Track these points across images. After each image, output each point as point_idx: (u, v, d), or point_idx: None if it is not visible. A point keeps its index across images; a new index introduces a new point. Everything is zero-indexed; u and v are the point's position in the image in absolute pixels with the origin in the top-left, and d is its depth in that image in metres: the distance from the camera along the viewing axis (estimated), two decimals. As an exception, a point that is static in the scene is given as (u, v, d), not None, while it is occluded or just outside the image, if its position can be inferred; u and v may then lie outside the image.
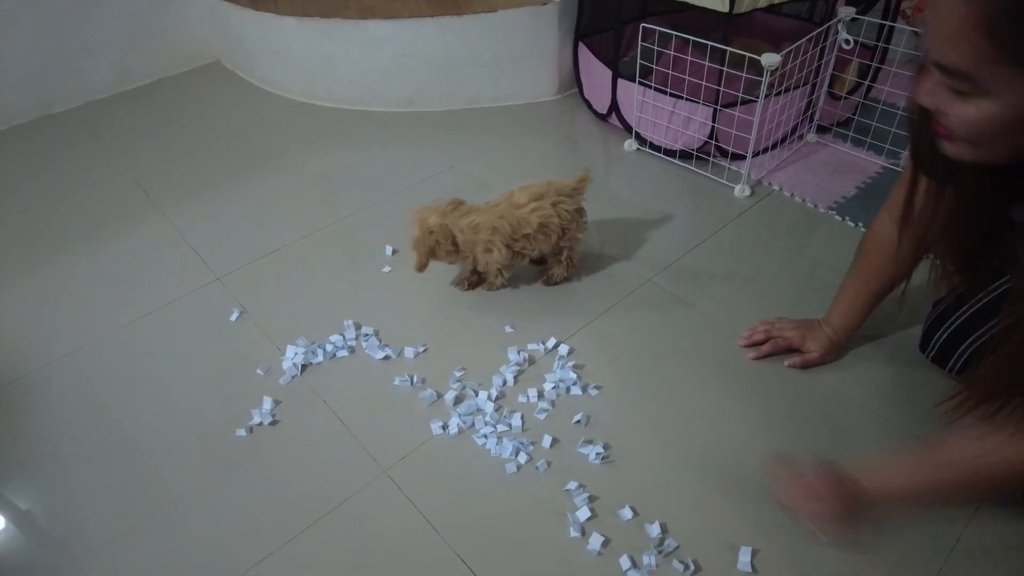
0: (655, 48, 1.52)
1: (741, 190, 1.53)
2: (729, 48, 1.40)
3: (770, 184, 1.56)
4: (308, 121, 1.94)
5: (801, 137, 1.68)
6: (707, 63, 1.51)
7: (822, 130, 1.70)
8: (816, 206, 1.49)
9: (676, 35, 1.47)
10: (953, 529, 0.92)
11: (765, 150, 1.63)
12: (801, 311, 1.22)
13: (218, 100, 2.06)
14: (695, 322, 1.25)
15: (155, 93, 2.11)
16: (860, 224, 1.44)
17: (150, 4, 2.07)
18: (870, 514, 0.81)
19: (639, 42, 1.53)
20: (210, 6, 2.08)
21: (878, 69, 1.65)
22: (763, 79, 1.37)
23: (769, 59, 1.33)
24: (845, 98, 1.66)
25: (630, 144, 1.71)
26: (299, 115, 1.97)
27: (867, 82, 1.67)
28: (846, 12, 1.47)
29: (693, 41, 1.47)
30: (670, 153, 1.65)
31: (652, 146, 1.67)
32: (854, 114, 1.72)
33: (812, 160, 1.63)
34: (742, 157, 1.56)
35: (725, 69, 1.42)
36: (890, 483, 0.80)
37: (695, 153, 1.60)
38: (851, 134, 1.66)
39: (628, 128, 1.71)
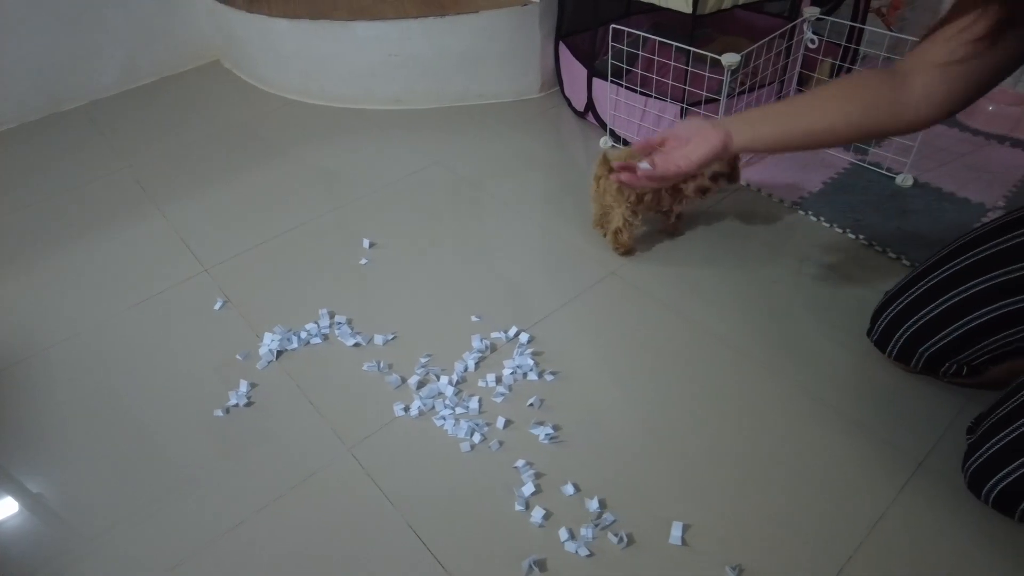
0: (625, 48, 1.57)
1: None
2: (692, 48, 1.45)
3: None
4: (301, 119, 2.01)
5: (772, 134, 1.73)
6: (672, 63, 1.56)
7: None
8: (782, 201, 1.54)
9: (643, 35, 1.52)
10: (876, 507, 0.97)
11: (736, 146, 1.67)
12: (763, 301, 1.27)
13: (216, 99, 2.14)
14: (653, 312, 1.30)
15: (158, 92, 2.20)
16: (822, 219, 1.48)
17: (155, 5, 2.16)
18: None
19: (609, 42, 1.58)
20: (210, 7, 2.17)
21: (849, 70, 1.69)
22: (725, 78, 1.41)
23: (729, 59, 1.37)
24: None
25: (605, 141, 1.76)
26: (293, 113, 2.04)
27: (837, 80, 1.70)
28: (811, 12, 1.51)
29: (660, 41, 1.52)
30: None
31: (626, 143, 1.73)
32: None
33: (782, 156, 1.68)
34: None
35: (689, 68, 1.47)
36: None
37: (666, 150, 1.65)
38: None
39: (604, 125, 1.77)
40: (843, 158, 1.65)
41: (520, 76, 1.98)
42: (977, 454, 0.92)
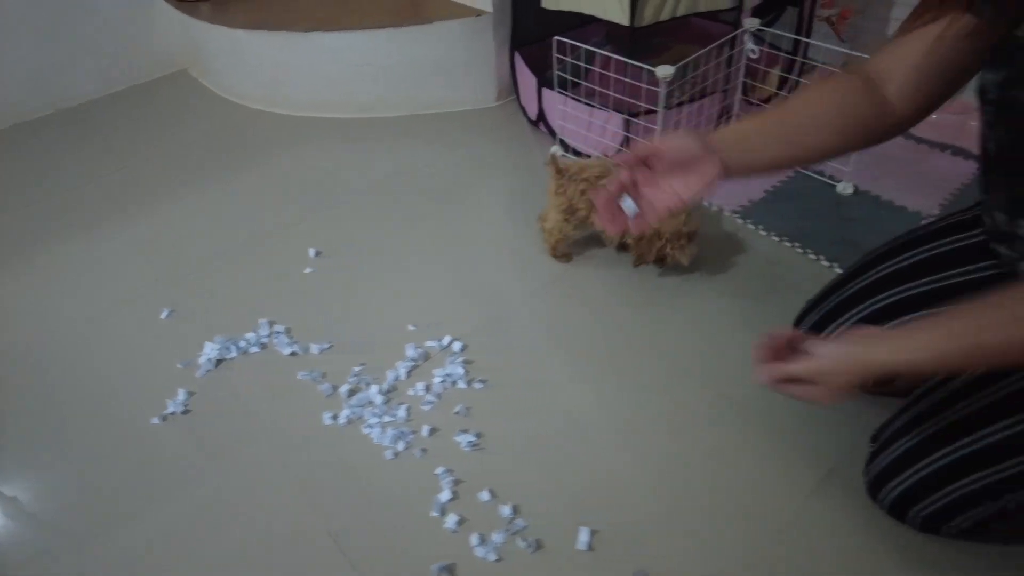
0: (569, 60, 1.60)
1: (653, 194, 1.61)
2: (629, 60, 1.47)
3: (682, 188, 1.63)
4: (265, 129, 2.04)
5: (719, 142, 1.75)
6: (612, 75, 1.58)
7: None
8: (721, 209, 1.56)
9: (585, 47, 1.55)
10: (783, 514, 1.00)
11: (682, 155, 1.70)
12: (699, 310, 1.30)
13: (182, 108, 2.17)
14: (589, 321, 1.33)
15: (126, 101, 2.22)
16: (760, 227, 1.51)
17: (126, 14, 2.19)
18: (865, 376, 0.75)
19: (553, 54, 1.61)
20: (176, 17, 2.19)
21: (796, 82, 1.72)
22: (660, 90, 1.44)
23: (663, 71, 1.40)
24: (757, 105, 1.72)
25: (556, 150, 1.79)
26: (257, 123, 2.07)
27: (783, 93, 1.73)
28: (750, 23, 1.54)
29: (597, 52, 1.55)
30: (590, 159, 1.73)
31: (576, 152, 1.75)
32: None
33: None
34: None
35: (628, 80, 1.50)
36: (915, 354, 0.71)
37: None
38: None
39: (554, 134, 1.79)
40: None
41: (477, 85, 2.01)
42: (876, 462, 0.94)
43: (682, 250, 1.33)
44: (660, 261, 1.36)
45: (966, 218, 1.00)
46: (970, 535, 0.89)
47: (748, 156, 0.82)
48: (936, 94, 0.82)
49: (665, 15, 1.48)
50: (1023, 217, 0.82)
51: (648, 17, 1.46)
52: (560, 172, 1.35)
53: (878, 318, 1.01)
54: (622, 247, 1.43)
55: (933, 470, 0.87)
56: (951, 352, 0.70)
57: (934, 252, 1.00)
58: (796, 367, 0.76)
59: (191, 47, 2.25)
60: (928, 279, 0.98)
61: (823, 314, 1.09)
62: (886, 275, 1.02)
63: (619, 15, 1.46)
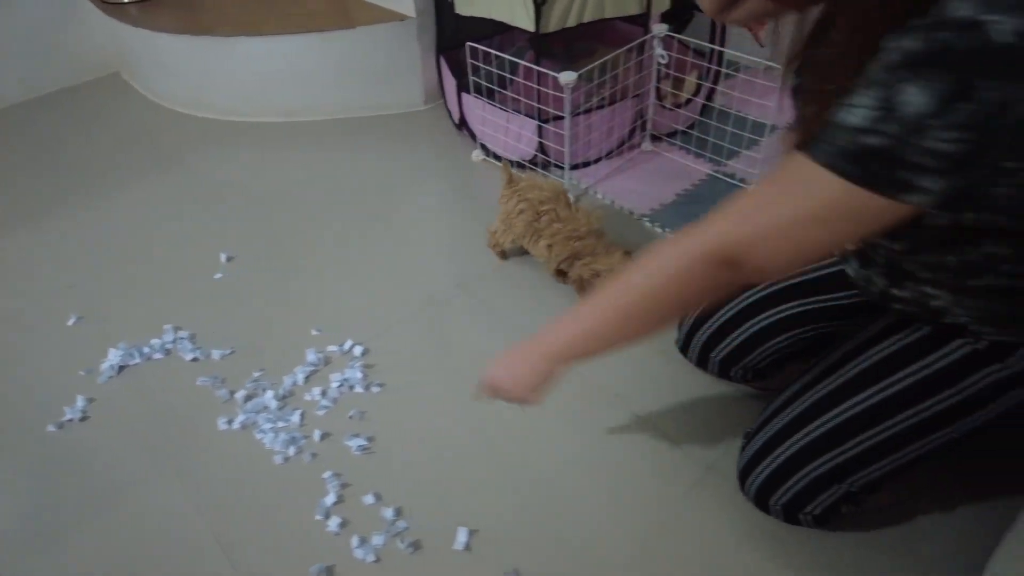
0: (481, 65, 1.62)
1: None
2: (535, 67, 1.50)
3: (595, 192, 1.66)
4: (187, 133, 2.03)
5: (635, 147, 1.78)
6: (521, 80, 1.60)
7: (657, 139, 1.79)
8: (632, 213, 1.59)
9: (495, 53, 1.57)
10: (659, 510, 1.03)
11: (598, 159, 1.73)
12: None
13: (109, 112, 2.15)
14: (492, 326, 1.35)
15: (53, 104, 2.21)
16: (668, 230, 1.54)
17: (49, 17, 2.17)
18: (546, 367, 0.83)
19: (467, 59, 1.62)
20: (103, 20, 2.18)
21: (711, 89, 1.75)
22: (565, 96, 1.46)
23: (565, 77, 1.42)
24: (671, 110, 1.75)
25: (477, 154, 1.81)
26: (180, 127, 2.07)
27: (698, 99, 1.76)
28: (659, 29, 1.57)
29: (510, 58, 1.57)
30: (510, 164, 1.75)
31: (496, 156, 1.77)
32: (691, 126, 1.82)
33: (642, 168, 1.73)
34: (576, 167, 1.67)
35: (537, 86, 1.52)
36: (563, 337, 0.81)
37: (527, 164, 1.70)
38: (678, 144, 1.76)
39: (475, 138, 1.81)
40: (700, 169, 1.71)
41: (403, 89, 2.02)
42: (742, 455, 0.97)
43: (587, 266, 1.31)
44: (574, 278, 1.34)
45: None
46: (823, 522, 0.93)
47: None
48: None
49: (571, 21, 1.50)
50: None
51: (554, 23, 1.48)
52: (510, 182, 1.37)
53: (736, 321, 1.06)
54: (559, 273, 1.38)
55: (786, 458, 0.90)
56: (601, 323, 0.79)
57: None
58: (483, 377, 0.87)
59: (120, 50, 2.23)
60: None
61: (696, 318, 1.12)
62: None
63: (526, 21, 1.48)
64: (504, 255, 1.49)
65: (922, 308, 0.83)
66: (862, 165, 0.58)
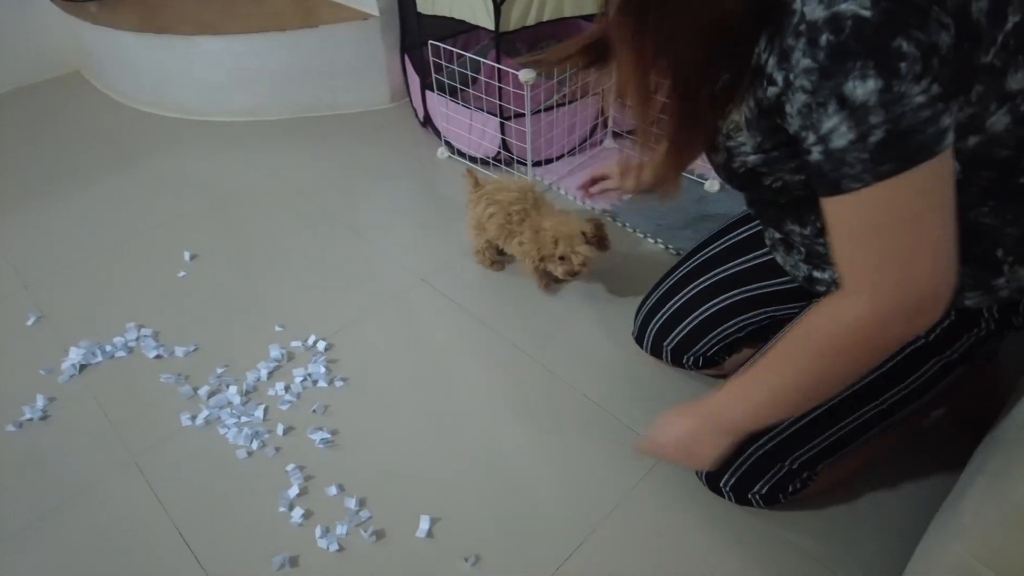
0: (444, 63, 1.63)
1: (530, 193, 1.66)
2: (496, 65, 1.52)
3: (558, 188, 1.69)
4: (149, 132, 2.02)
5: (597, 144, 1.82)
6: (483, 78, 1.63)
7: (619, 136, 1.83)
8: (593, 208, 1.63)
9: (456, 51, 1.59)
10: (614, 496, 1.06)
11: (561, 156, 1.76)
12: (559, 307, 1.35)
13: (66, 110, 2.13)
14: (453, 318, 1.37)
15: (9, 103, 2.17)
16: (627, 225, 1.57)
17: (10, 15, 2.14)
18: (726, 442, 0.82)
19: (429, 58, 1.64)
20: (62, 18, 2.15)
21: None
22: (526, 93, 1.49)
23: (525, 75, 1.45)
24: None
25: (442, 152, 1.83)
26: (142, 125, 2.05)
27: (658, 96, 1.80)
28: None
29: (472, 56, 1.59)
30: (474, 160, 1.77)
31: (460, 153, 1.79)
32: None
33: (604, 165, 1.76)
34: (538, 164, 1.70)
35: (499, 84, 1.54)
36: (729, 411, 0.80)
37: (491, 161, 1.72)
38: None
39: (439, 135, 1.83)
40: (661, 166, 1.75)
41: (369, 87, 2.03)
42: (735, 466, 0.97)
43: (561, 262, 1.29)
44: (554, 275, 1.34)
45: None
46: (771, 501, 0.96)
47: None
48: None
49: (531, 20, 1.53)
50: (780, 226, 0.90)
51: (514, 22, 1.51)
52: (476, 186, 1.37)
53: (685, 311, 1.10)
54: (544, 275, 1.38)
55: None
56: (780, 404, 0.76)
57: (744, 236, 1.09)
58: (651, 444, 0.87)
59: (80, 48, 2.21)
60: (719, 269, 1.09)
61: (648, 309, 1.16)
62: (691, 269, 1.12)
63: (486, 20, 1.51)
64: (497, 265, 1.46)
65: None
66: (895, 155, 0.58)
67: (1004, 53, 0.62)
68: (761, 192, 0.81)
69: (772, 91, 0.66)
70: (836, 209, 0.65)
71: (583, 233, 1.26)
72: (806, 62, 0.59)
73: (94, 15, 2.05)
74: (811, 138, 0.63)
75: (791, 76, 0.61)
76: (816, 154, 0.63)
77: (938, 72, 0.56)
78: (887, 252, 0.63)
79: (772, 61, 0.64)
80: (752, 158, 0.75)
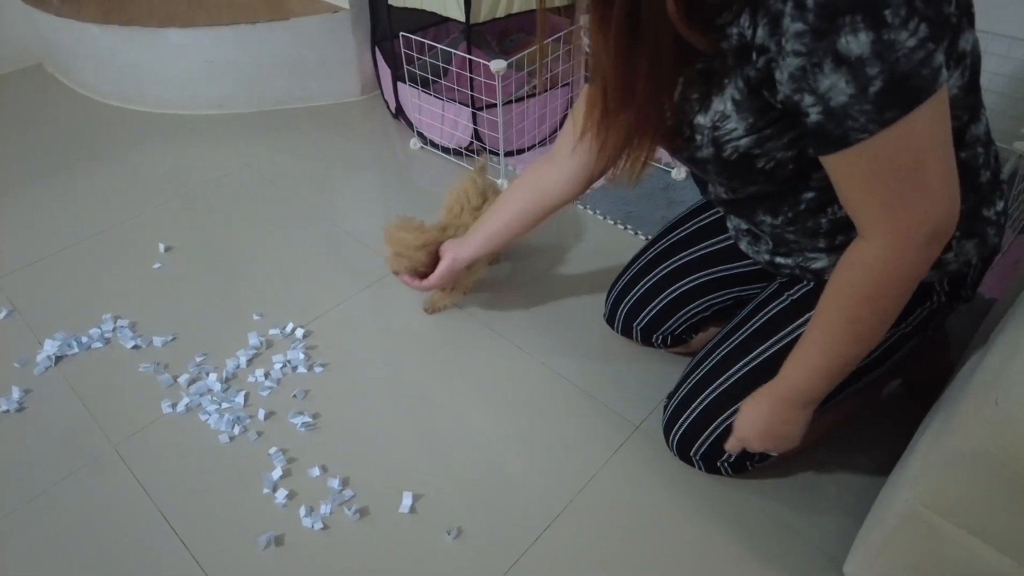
0: (415, 55, 1.66)
1: (503, 184, 1.69)
2: (467, 56, 1.55)
3: (529, 177, 1.73)
4: (117, 125, 2.01)
5: (567, 133, 1.86)
6: (455, 69, 1.65)
7: (588, 126, 1.87)
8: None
9: (428, 43, 1.61)
10: (591, 467, 1.10)
11: (532, 147, 1.80)
12: (538, 290, 1.39)
13: (30, 104, 2.10)
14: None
15: (-30, 98, 2.14)
16: (597, 212, 1.61)
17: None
18: (806, 413, 0.85)
19: (401, 49, 1.66)
20: (24, 10, 2.12)
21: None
22: (497, 83, 1.52)
23: (496, 65, 1.48)
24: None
25: (415, 143, 1.85)
26: (109, 119, 2.03)
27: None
28: (585, 20, 1.64)
29: (443, 47, 1.61)
30: (447, 151, 1.80)
31: (433, 144, 1.82)
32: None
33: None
34: (511, 153, 1.73)
35: (470, 75, 1.57)
36: (798, 382, 0.83)
37: (464, 152, 1.75)
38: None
39: (412, 126, 1.85)
40: (629, 155, 1.79)
41: (339, 80, 2.04)
42: (665, 413, 1.05)
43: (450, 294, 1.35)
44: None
45: None
46: (739, 469, 1.01)
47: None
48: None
49: (501, 12, 1.56)
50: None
51: (484, 13, 1.54)
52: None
53: (654, 292, 1.15)
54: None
55: (700, 410, 0.99)
56: (839, 360, 0.80)
57: (709, 220, 1.14)
58: (741, 443, 0.91)
59: (42, 41, 2.18)
60: (688, 251, 1.13)
61: (618, 291, 1.20)
62: (660, 251, 1.16)
63: (456, 12, 1.53)
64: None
65: (804, 271, 0.92)
66: (896, 101, 0.61)
67: (958, 10, 0.65)
68: (753, 177, 0.81)
69: (762, 60, 0.67)
70: (843, 162, 0.67)
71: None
72: (796, 26, 0.61)
73: (57, 7, 2.02)
74: (808, 100, 0.64)
75: (783, 40, 0.63)
76: (815, 115, 0.65)
77: (924, 12, 0.59)
78: (899, 192, 0.66)
79: (763, 32, 0.65)
80: (744, 141, 0.76)
